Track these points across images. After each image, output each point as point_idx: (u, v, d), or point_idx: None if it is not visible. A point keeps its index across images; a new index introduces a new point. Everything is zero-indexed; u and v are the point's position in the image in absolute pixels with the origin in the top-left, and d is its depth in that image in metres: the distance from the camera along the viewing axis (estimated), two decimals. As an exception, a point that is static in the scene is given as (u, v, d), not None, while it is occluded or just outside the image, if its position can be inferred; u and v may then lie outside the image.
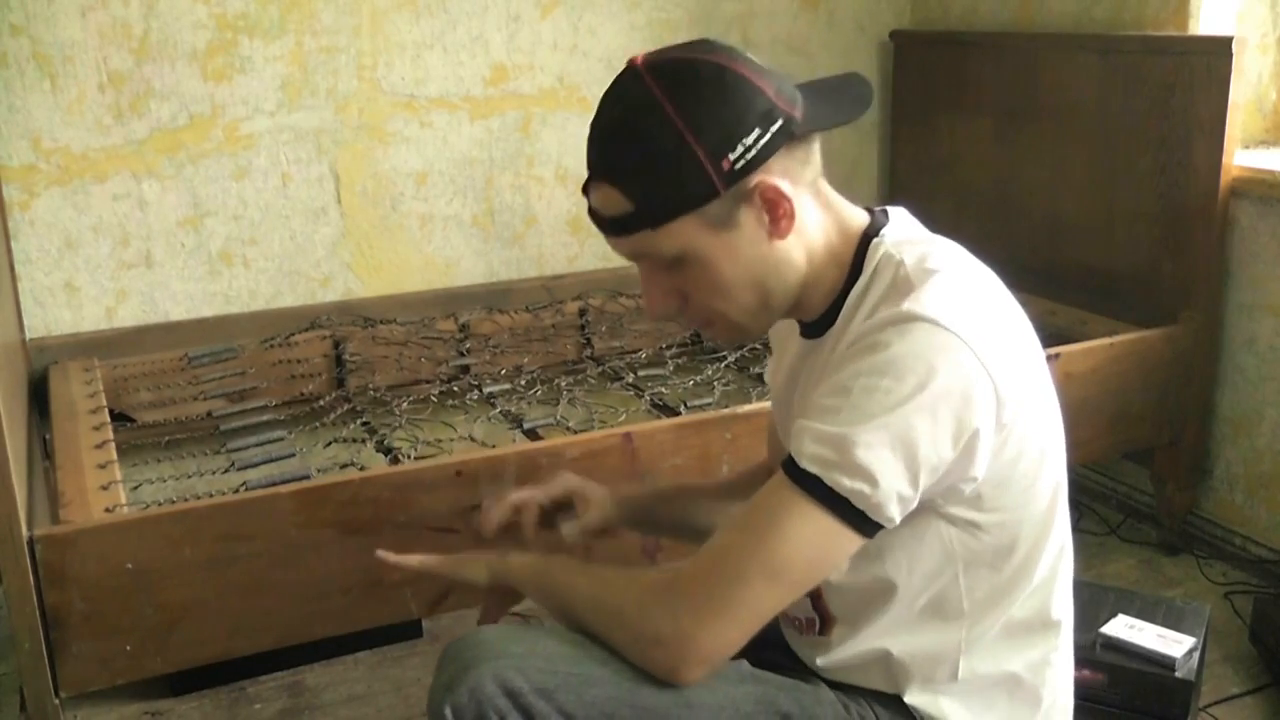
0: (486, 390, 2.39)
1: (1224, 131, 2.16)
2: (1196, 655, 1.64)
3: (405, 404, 2.31)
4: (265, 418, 2.19)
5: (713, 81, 0.99)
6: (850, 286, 1.07)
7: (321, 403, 2.33)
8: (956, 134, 2.85)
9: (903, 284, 1.01)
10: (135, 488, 1.87)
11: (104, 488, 1.71)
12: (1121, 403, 2.22)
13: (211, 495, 1.73)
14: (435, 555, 1.24)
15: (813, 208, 1.06)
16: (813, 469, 0.96)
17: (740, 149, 0.98)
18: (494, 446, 1.97)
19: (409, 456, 1.99)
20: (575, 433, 2.04)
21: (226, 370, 2.33)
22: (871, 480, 0.94)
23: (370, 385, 2.41)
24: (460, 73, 2.56)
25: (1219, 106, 2.15)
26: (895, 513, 0.97)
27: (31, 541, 1.45)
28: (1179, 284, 2.30)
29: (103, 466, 1.78)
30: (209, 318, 2.45)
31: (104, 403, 2.05)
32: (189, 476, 2.12)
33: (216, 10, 2.35)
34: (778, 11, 2.88)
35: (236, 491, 1.75)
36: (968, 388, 0.95)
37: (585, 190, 1.06)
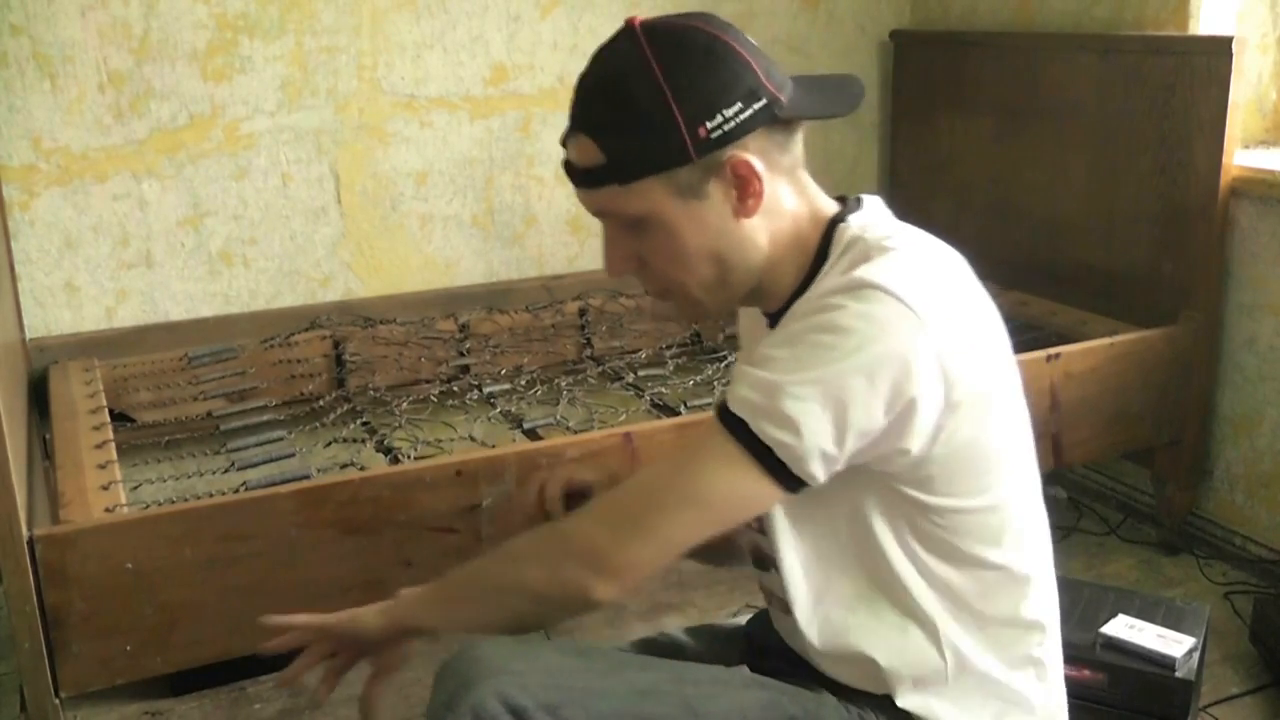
0: (486, 390, 2.39)
1: (1224, 131, 2.16)
2: (1196, 655, 1.64)
3: (405, 404, 2.31)
4: (265, 418, 2.19)
5: (703, 49, 1.00)
6: (815, 273, 1.06)
7: (321, 403, 2.33)
8: (956, 134, 2.85)
9: (859, 257, 1.01)
10: (135, 488, 1.87)
11: (104, 488, 1.71)
12: (1121, 403, 2.22)
13: (211, 495, 1.73)
14: (324, 615, 1.19)
15: (787, 194, 1.06)
16: (741, 413, 0.97)
17: (719, 119, 0.98)
18: (494, 446, 1.97)
19: (409, 456, 1.99)
20: (575, 433, 2.04)
21: (226, 370, 2.33)
22: (796, 432, 0.95)
23: (370, 385, 2.41)
24: (460, 73, 2.56)
25: (1219, 106, 2.15)
26: (818, 470, 0.96)
27: (31, 541, 1.45)
28: (1179, 284, 2.29)
29: (103, 466, 1.78)
30: (209, 318, 2.45)
31: (104, 403, 2.05)
32: (189, 476, 2.11)
33: (216, 10, 2.35)
34: (778, 11, 2.87)
35: (236, 491, 1.74)
36: (910, 357, 0.94)
37: (564, 141, 1.06)
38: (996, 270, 2.77)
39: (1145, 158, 2.34)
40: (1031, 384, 2.07)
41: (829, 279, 1.02)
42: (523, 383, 2.43)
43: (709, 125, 0.98)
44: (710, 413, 1.01)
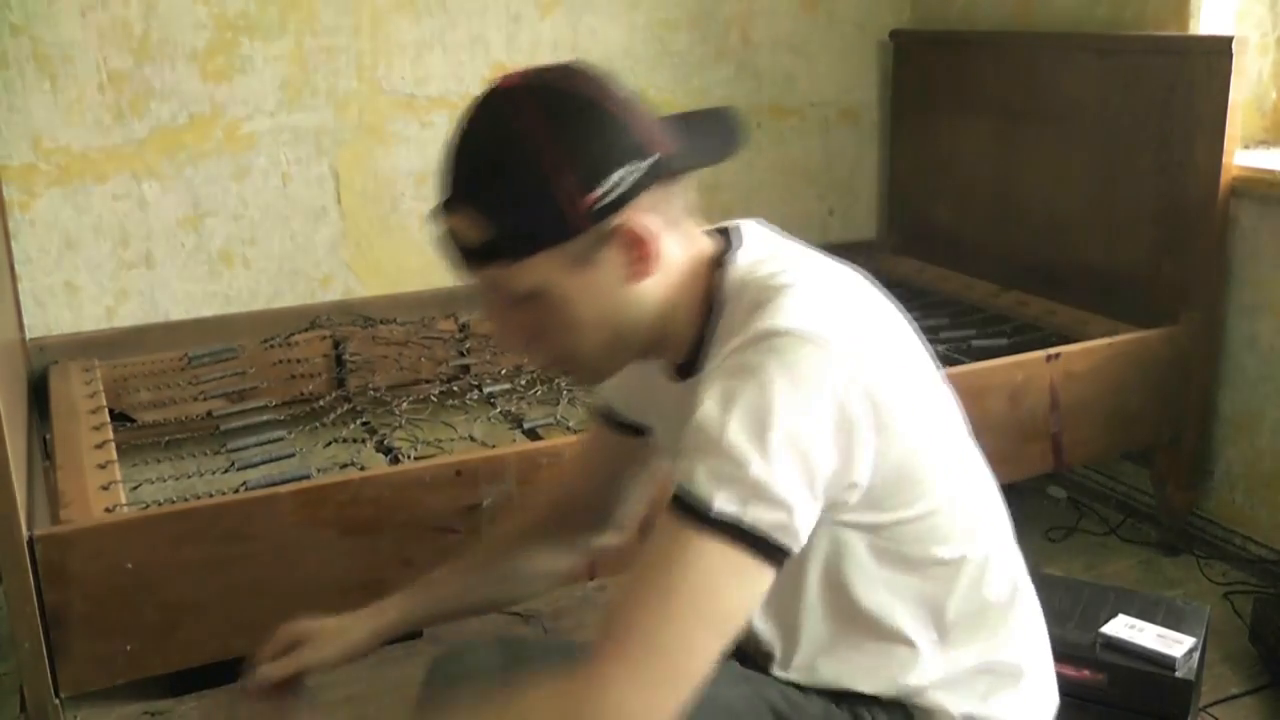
0: (486, 390, 2.39)
1: (1224, 131, 2.16)
2: (1196, 655, 1.64)
3: (405, 404, 2.31)
4: (265, 418, 2.19)
5: (585, 113, 0.94)
6: (711, 322, 1.03)
7: (321, 403, 2.33)
8: (956, 134, 2.85)
9: (754, 303, 0.97)
10: (135, 488, 1.87)
11: (104, 488, 1.71)
12: (1121, 403, 2.22)
13: (211, 495, 1.73)
14: None
15: (675, 246, 1.01)
16: (728, 509, 0.88)
17: (606, 186, 0.93)
18: (494, 446, 1.97)
19: (409, 456, 1.99)
20: (575, 432, 2.04)
21: (226, 370, 2.33)
22: (788, 509, 0.90)
23: (370, 385, 2.41)
24: (460, 73, 2.56)
25: (1219, 106, 2.15)
26: (807, 536, 0.93)
27: (31, 541, 1.45)
28: (1179, 284, 2.29)
29: (103, 466, 1.78)
30: (209, 318, 2.45)
31: (104, 403, 2.06)
32: (189, 476, 2.11)
33: (216, 10, 2.35)
34: (778, 11, 2.88)
35: (236, 491, 1.75)
36: (839, 393, 0.92)
37: (436, 213, 0.99)
38: (996, 270, 2.78)
39: (1145, 158, 2.34)
40: (1031, 384, 2.10)
41: (731, 330, 0.98)
42: (523, 383, 2.43)
43: (597, 193, 0.93)
44: (675, 516, 0.90)
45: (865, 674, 1.08)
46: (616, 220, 0.95)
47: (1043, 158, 2.60)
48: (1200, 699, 1.77)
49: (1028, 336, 2.40)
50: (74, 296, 2.35)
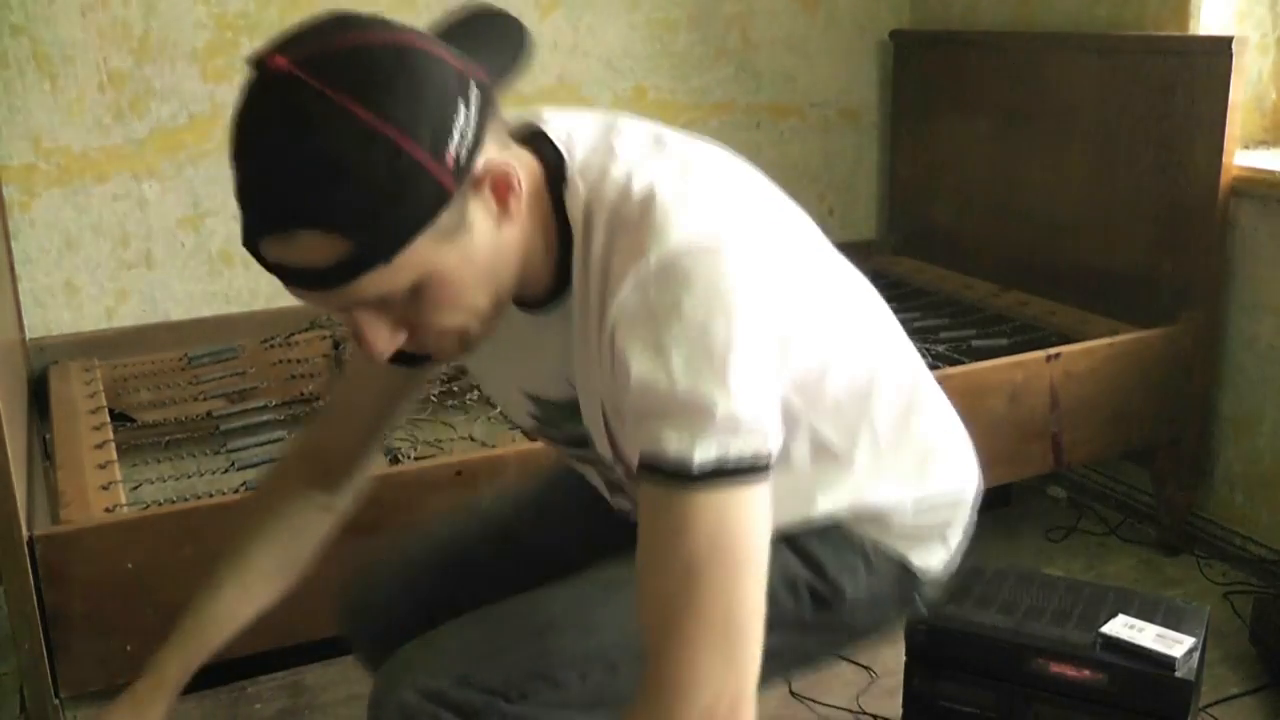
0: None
1: (1224, 131, 2.16)
2: (1196, 655, 1.64)
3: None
4: (265, 418, 2.19)
5: (396, 66, 0.80)
6: (564, 249, 0.94)
7: (321, 403, 2.32)
8: (956, 134, 2.85)
9: (626, 228, 0.89)
10: (135, 488, 1.87)
11: (104, 488, 1.71)
12: (1121, 403, 2.22)
13: (211, 495, 1.73)
14: None
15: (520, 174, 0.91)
16: (711, 457, 0.84)
17: (455, 138, 0.81)
18: (494, 446, 1.97)
19: (409, 456, 1.99)
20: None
21: (226, 370, 2.33)
22: (762, 431, 0.87)
23: (370, 385, 2.41)
24: (460, 73, 2.56)
25: (1219, 106, 2.15)
26: (779, 433, 0.91)
27: (31, 541, 1.45)
28: (1179, 284, 2.29)
29: (103, 466, 1.78)
30: (209, 318, 2.45)
31: (104, 403, 2.06)
32: (189, 476, 2.11)
33: (216, 10, 2.35)
34: (778, 11, 2.88)
35: (236, 491, 1.75)
36: (757, 286, 0.88)
37: (257, 244, 0.83)
38: (996, 270, 2.78)
39: (1145, 158, 2.34)
40: (1031, 384, 2.10)
41: (603, 260, 0.90)
42: (523, 383, 2.43)
43: (452, 149, 0.81)
44: (657, 487, 0.86)
45: (807, 501, 1.08)
46: (478, 170, 0.84)
47: (1042, 158, 2.60)
48: (1200, 699, 1.77)
49: (1028, 336, 2.40)
50: (74, 296, 2.35)
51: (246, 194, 0.82)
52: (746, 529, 0.86)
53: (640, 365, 0.86)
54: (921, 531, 1.14)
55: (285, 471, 1.21)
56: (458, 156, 0.81)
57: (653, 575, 0.87)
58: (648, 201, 0.89)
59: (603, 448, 1.03)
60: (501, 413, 1.23)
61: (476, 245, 0.87)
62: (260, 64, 0.79)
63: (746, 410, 0.85)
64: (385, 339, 0.89)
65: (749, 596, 0.86)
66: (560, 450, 1.20)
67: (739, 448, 0.85)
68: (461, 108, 0.82)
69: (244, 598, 1.15)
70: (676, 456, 0.84)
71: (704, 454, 0.84)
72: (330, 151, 0.77)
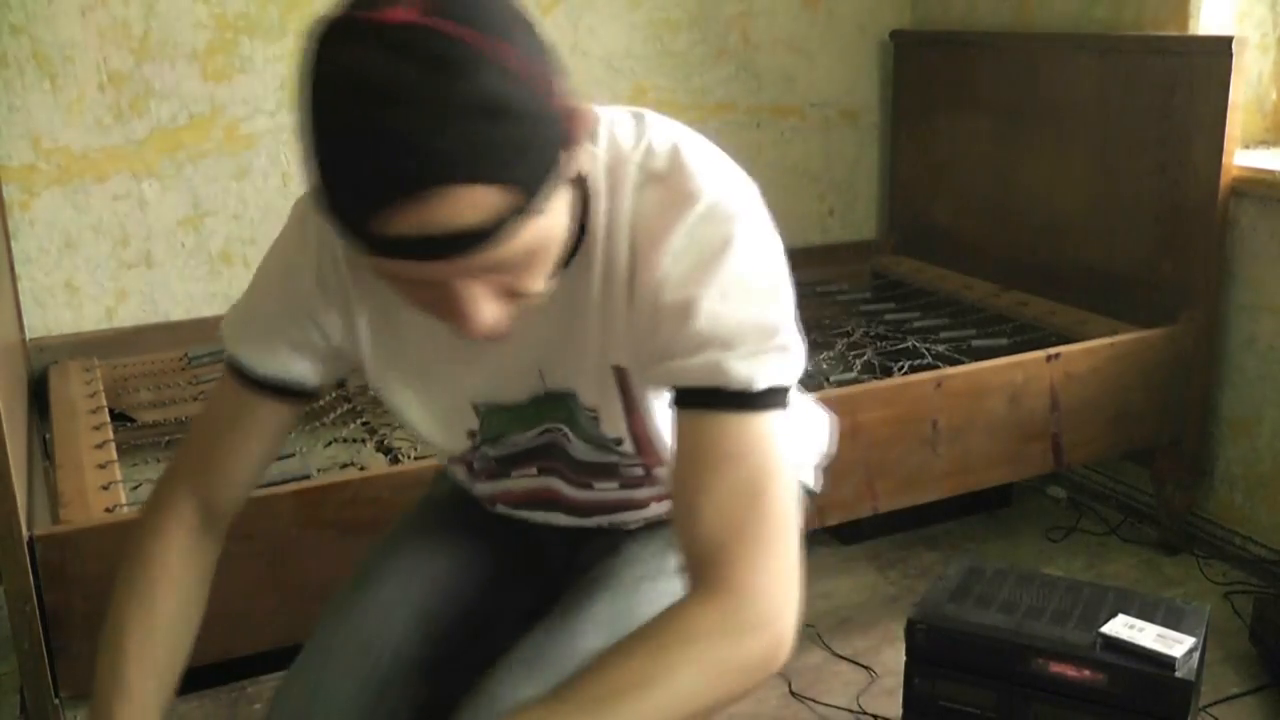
0: (486, 390, 2.38)
1: (1224, 131, 2.16)
2: (1196, 655, 1.64)
3: (405, 404, 2.30)
4: (265, 418, 2.19)
5: (507, 4, 0.78)
6: (583, 201, 0.90)
7: (321, 403, 2.32)
8: (956, 134, 2.85)
9: (662, 184, 0.89)
10: (135, 488, 1.87)
11: (104, 488, 1.71)
12: (1121, 403, 2.22)
13: (211, 495, 1.73)
14: None
15: None
16: (773, 380, 0.88)
17: (560, 70, 0.77)
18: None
19: (409, 456, 1.99)
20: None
21: (226, 370, 2.33)
22: (800, 350, 0.91)
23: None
24: (460, 73, 2.56)
25: (1219, 106, 2.15)
26: None
27: (31, 541, 1.45)
28: (1179, 284, 2.30)
29: (103, 466, 1.78)
30: (209, 318, 2.45)
31: (104, 403, 2.05)
32: (189, 476, 2.11)
33: (216, 10, 2.35)
34: (778, 11, 2.88)
35: (236, 491, 1.74)
36: (773, 236, 0.92)
37: (386, 216, 0.71)
38: (996, 270, 2.78)
39: (1145, 158, 2.34)
40: (1031, 384, 2.10)
41: (635, 218, 0.89)
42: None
43: (567, 88, 0.76)
44: (712, 411, 0.88)
45: None
46: (576, 105, 0.78)
47: (1042, 158, 2.60)
48: (1200, 699, 1.77)
49: (1028, 336, 2.40)
50: (74, 296, 2.35)
51: (378, 162, 0.70)
52: (783, 449, 0.90)
53: (705, 300, 0.87)
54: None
55: (167, 522, 1.13)
56: (565, 90, 0.77)
57: (716, 495, 0.87)
58: (675, 156, 0.90)
59: (610, 425, 1.00)
60: (413, 436, 1.13)
61: (561, 193, 0.79)
62: (367, 22, 0.71)
63: (793, 336, 0.90)
64: (493, 311, 0.80)
65: (793, 512, 0.90)
66: (485, 481, 1.14)
67: (790, 372, 0.90)
68: (543, 39, 0.79)
69: (176, 646, 1.14)
70: (743, 380, 0.87)
71: (765, 377, 0.88)
72: (490, 95, 0.71)
